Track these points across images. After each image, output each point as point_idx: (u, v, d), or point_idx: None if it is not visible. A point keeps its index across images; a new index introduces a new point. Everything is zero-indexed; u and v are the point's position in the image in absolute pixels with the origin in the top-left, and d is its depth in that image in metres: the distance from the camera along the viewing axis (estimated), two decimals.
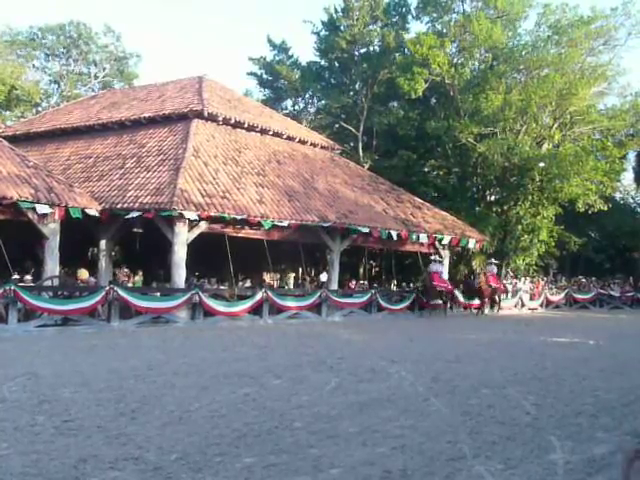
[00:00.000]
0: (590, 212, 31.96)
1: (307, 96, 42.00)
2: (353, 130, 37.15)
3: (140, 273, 22.04)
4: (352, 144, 37.70)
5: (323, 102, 40.67)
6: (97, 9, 75.31)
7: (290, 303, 21.17)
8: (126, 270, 20.88)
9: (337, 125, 38.90)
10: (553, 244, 33.41)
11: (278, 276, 28.39)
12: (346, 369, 11.11)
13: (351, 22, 37.22)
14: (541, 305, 30.73)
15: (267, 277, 27.15)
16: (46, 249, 17.92)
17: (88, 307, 17.02)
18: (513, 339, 17.55)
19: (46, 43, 47.09)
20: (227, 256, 19.48)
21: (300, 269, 27.48)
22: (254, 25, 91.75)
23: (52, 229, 17.79)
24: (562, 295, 32.08)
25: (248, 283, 23.82)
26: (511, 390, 9.59)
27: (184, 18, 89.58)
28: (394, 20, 38.14)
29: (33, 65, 47.35)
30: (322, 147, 29.34)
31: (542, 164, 30.47)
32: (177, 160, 20.98)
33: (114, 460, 5.72)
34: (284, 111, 40.17)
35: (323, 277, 25.82)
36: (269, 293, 20.42)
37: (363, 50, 38.32)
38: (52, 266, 17.94)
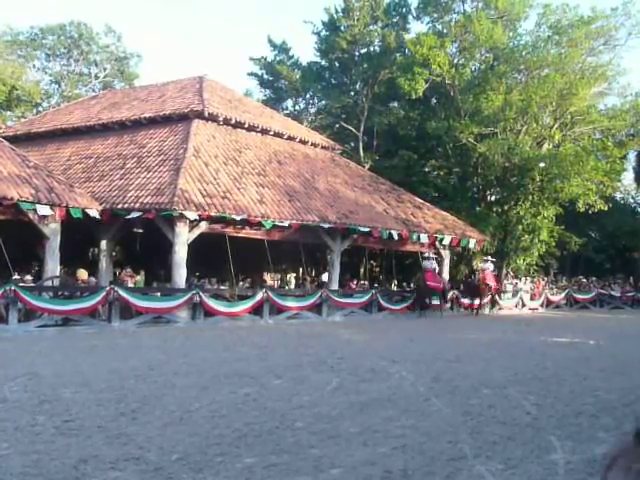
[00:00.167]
0: (590, 212, 31.93)
1: (308, 96, 42.03)
2: (354, 130, 37.15)
3: (142, 273, 22.04)
4: (353, 144, 37.70)
5: (324, 102, 40.70)
6: (98, 9, 75.42)
7: (290, 303, 21.17)
8: (129, 270, 20.88)
9: (338, 125, 38.90)
10: (553, 244, 33.40)
11: (279, 276, 28.40)
12: (347, 369, 11.11)
13: (351, 22, 37.22)
14: (541, 305, 30.70)
15: (267, 277, 27.17)
16: (47, 249, 17.94)
17: (89, 307, 17.03)
18: (513, 339, 17.55)
19: (47, 43, 47.09)
20: (227, 256, 19.49)
21: (301, 269, 27.49)
22: (254, 25, 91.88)
23: (53, 229, 17.80)
24: (562, 295, 32.06)
25: (248, 283, 23.83)
26: (512, 390, 9.59)
27: (184, 18, 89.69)
28: (394, 20, 38.15)
29: (34, 65, 47.39)
30: (323, 147, 29.34)
31: (542, 164, 30.46)
32: (178, 160, 20.99)
33: (115, 460, 5.72)
34: (285, 111, 40.19)
35: (325, 277, 25.83)
36: (269, 293, 20.42)
37: (363, 50, 38.33)
38: (53, 266, 17.96)
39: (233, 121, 24.99)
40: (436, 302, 24.76)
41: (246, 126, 25.43)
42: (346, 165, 29.45)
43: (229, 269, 20.48)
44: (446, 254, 27.76)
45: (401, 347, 15.06)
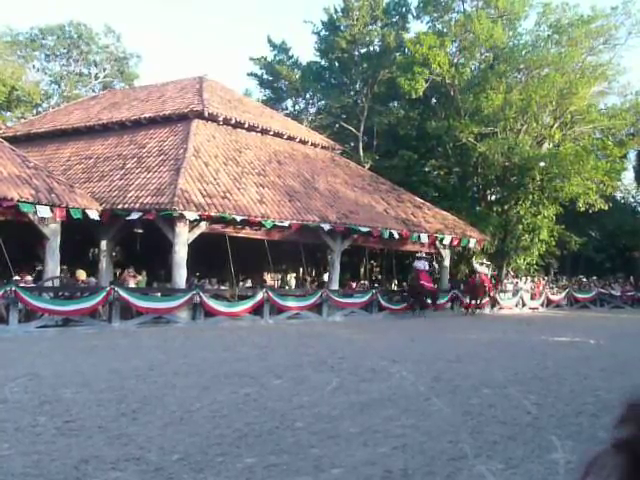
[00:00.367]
0: (591, 211, 31.92)
1: (307, 96, 42.02)
2: (353, 130, 37.15)
3: (144, 273, 22.04)
4: (352, 144, 37.70)
5: (323, 102, 40.70)
6: (97, 9, 75.41)
7: (291, 303, 21.18)
8: (131, 270, 20.87)
9: (337, 125, 38.90)
10: (554, 243, 33.40)
11: (279, 276, 28.40)
12: (347, 369, 11.11)
13: (351, 22, 37.22)
14: (542, 305, 30.71)
15: (268, 277, 27.15)
16: (47, 250, 17.94)
17: (89, 308, 17.04)
18: (514, 339, 17.55)
19: (46, 44, 47.10)
20: (228, 256, 19.49)
21: (301, 269, 27.49)
22: (254, 25, 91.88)
23: (53, 230, 17.81)
24: (563, 295, 32.07)
25: (249, 283, 23.83)
26: (512, 390, 9.59)
27: (184, 18, 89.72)
28: (394, 20, 38.14)
29: (33, 66, 47.37)
30: (323, 147, 29.34)
31: (542, 163, 30.47)
32: (178, 160, 20.99)
33: (115, 460, 5.72)
34: (284, 111, 40.19)
35: (326, 277, 25.81)
36: (270, 293, 20.43)
37: (363, 50, 38.32)
38: (53, 266, 17.96)
39: (233, 121, 24.99)
40: (428, 302, 24.65)
41: (246, 126, 25.43)
42: (346, 165, 29.46)
43: (229, 269, 20.49)
44: (446, 254, 27.77)
45: (401, 347, 15.06)
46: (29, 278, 18.54)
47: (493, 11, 33.51)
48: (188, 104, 24.60)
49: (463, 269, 32.64)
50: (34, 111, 42.80)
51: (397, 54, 35.62)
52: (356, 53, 38.13)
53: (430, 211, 27.94)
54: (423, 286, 24.02)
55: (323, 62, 39.85)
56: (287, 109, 41.96)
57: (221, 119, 24.54)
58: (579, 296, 32.47)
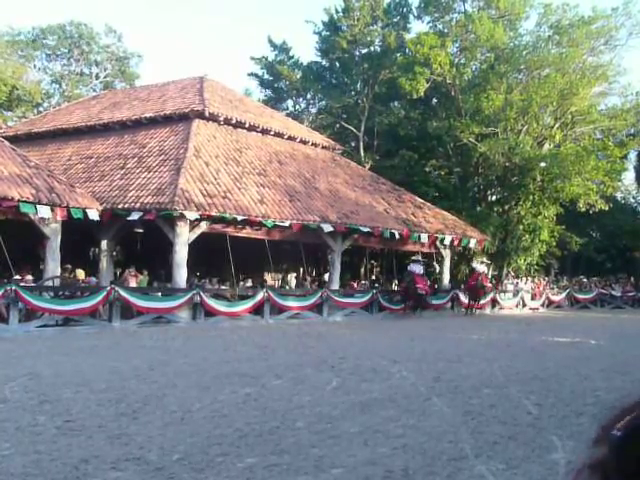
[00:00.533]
0: (591, 212, 31.93)
1: (308, 96, 42.04)
2: (354, 130, 37.16)
3: (146, 273, 22.04)
4: (353, 144, 37.72)
5: (324, 102, 40.70)
6: (98, 9, 75.44)
7: (291, 303, 21.19)
8: (132, 270, 20.87)
9: (338, 125, 38.92)
10: (554, 244, 33.40)
11: (279, 276, 28.39)
12: (347, 369, 11.11)
13: (352, 22, 37.23)
14: (542, 305, 30.71)
15: (268, 277, 27.15)
16: (47, 249, 17.94)
17: (89, 307, 17.04)
18: (514, 339, 17.54)
19: (47, 43, 47.11)
20: (228, 256, 19.49)
21: (301, 269, 27.50)
22: (255, 25, 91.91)
23: (53, 229, 17.81)
24: (563, 295, 32.07)
25: (249, 283, 23.82)
26: (512, 390, 9.58)
27: (185, 18, 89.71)
28: (395, 20, 38.16)
29: (34, 65, 47.40)
30: (323, 147, 29.34)
31: (543, 164, 30.47)
32: (178, 160, 20.99)
33: (116, 460, 5.72)
34: (285, 111, 40.20)
35: (327, 277, 25.80)
36: (270, 293, 20.43)
37: (364, 50, 38.33)
38: (53, 266, 17.96)
39: (234, 121, 24.99)
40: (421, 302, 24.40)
41: (247, 126, 25.43)
42: (347, 165, 29.46)
43: (229, 269, 20.49)
44: (447, 254, 27.76)
45: (402, 347, 15.06)
46: (29, 277, 18.53)
47: (494, 11, 33.52)
48: (189, 104, 24.60)
49: (463, 269, 32.63)
50: (35, 110, 42.80)
51: (398, 54, 35.62)
52: (357, 53, 38.15)
53: (430, 211, 27.94)
54: (418, 290, 23.73)
55: (324, 62, 39.89)
56: (288, 109, 41.98)
57: (222, 119, 24.54)
58: (580, 296, 32.47)
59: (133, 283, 20.14)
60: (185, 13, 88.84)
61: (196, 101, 24.72)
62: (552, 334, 18.83)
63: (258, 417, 7.42)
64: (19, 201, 16.63)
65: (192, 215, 18.70)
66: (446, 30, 34.00)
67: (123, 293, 17.39)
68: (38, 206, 17.03)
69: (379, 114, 36.07)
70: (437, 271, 28.61)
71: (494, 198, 34.61)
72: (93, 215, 18.36)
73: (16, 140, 24.91)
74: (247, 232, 20.93)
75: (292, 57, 40.91)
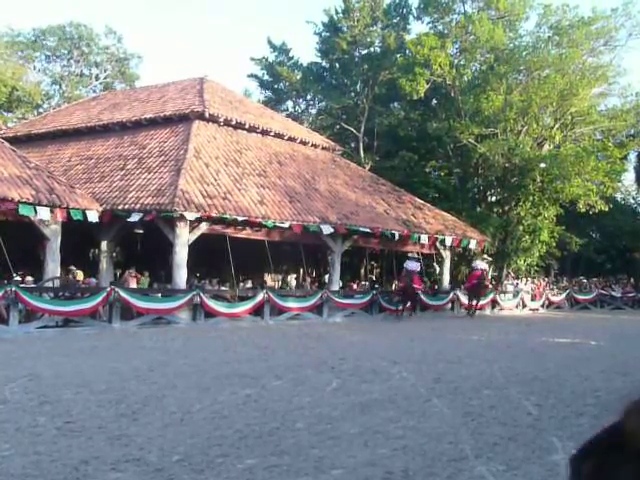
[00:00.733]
0: (591, 212, 31.91)
1: (308, 97, 42.05)
2: (354, 131, 37.17)
3: (147, 274, 22.05)
4: (353, 145, 37.72)
5: (324, 103, 40.69)
6: (98, 10, 75.47)
7: (291, 304, 21.18)
8: (132, 271, 20.86)
9: (338, 126, 38.91)
10: (554, 245, 33.39)
11: (279, 277, 28.40)
12: (347, 370, 11.11)
13: (352, 23, 37.24)
14: (542, 306, 30.70)
15: (268, 278, 27.15)
16: (47, 250, 17.94)
17: (89, 308, 17.04)
18: (514, 340, 17.54)
19: (47, 44, 47.12)
20: (228, 257, 19.49)
21: (301, 270, 27.50)
22: (255, 26, 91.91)
23: (53, 230, 17.81)
24: (563, 296, 32.06)
25: (249, 284, 23.83)
26: (513, 391, 9.58)
27: (185, 19, 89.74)
28: (395, 21, 38.17)
29: (34, 66, 47.40)
30: (323, 148, 29.35)
31: (543, 165, 30.46)
32: (178, 161, 21.00)
33: (116, 461, 5.72)
34: (285, 112, 40.20)
35: (327, 278, 25.78)
36: (270, 294, 20.43)
37: (364, 51, 38.32)
38: (53, 267, 17.96)
39: (234, 122, 25.00)
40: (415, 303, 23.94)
41: (247, 127, 25.44)
42: (346, 166, 29.46)
43: (229, 270, 20.49)
44: (447, 255, 27.76)
45: (402, 348, 15.05)
46: (29, 278, 18.53)
47: (494, 12, 33.51)
48: (189, 105, 24.60)
49: (464, 270, 32.62)
50: (35, 112, 42.81)
51: (398, 55, 35.61)
52: (357, 54, 38.14)
53: (430, 212, 27.94)
54: (415, 289, 23.48)
55: (324, 63, 39.89)
56: (287, 110, 41.98)
57: (222, 120, 24.55)
58: (579, 297, 32.46)
59: (133, 284, 20.14)
60: (185, 14, 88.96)
61: (196, 102, 24.72)
62: (552, 335, 18.82)
63: (258, 418, 7.42)
64: (19, 202, 16.63)
65: (192, 216, 18.70)
66: (446, 31, 34.00)
67: (123, 294, 17.39)
68: (38, 208, 17.02)
69: (379, 115, 36.07)
70: (437, 272, 28.61)
71: (494, 199, 34.61)
72: (92, 217, 18.34)
73: (16, 141, 24.92)
74: (247, 233, 20.93)
75: (292, 58, 40.92)
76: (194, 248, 19.40)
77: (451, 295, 26.53)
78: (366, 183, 28.09)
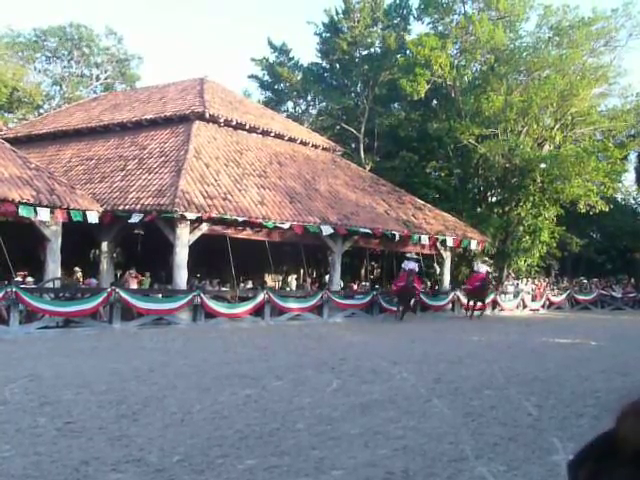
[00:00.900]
0: (591, 213, 31.91)
1: (308, 98, 42.05)
2: (354, 132, 37.18)
3: (148, 275, 22.06)
4: (353, 145, 37.73)
5: (324, 104, 40.72)
6: (98, 11, 75.51)
7: (291, 305, 21.18)
8: (133, 271, 20.86)
9: (338, 127, 38.93)
10: (554, 245, 33.39)
11: (280, 277, 28.40)
12: (348, 370, 11.11)
13: (352, 24, 37.26)
14: (543, 306, 30.69)
15: (268, 279, 27.17)
16: (48, 251, 17.94)
17: (90, 309, 17.04)
18: (515, 340, 17.54)
19: (48, 45, 47.14)
20: (228, 258, 19.49)
21: (302, 270, 27.51)
22: (255, 26, 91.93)
23: (54, 231, 17.82)
24: (564, 296, 32.05)
25: (249, 285, 23.84)
26: (513, 391, 9.58)
27: (185, 20, 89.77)
28: (395, 22, 38.18)
29: (35, 67, 47.43)
30: (323, 149, 29.35)
31: (543, 165, 30.46)
32: (179, 162, 21.00)
33: (116, 462, 5.72)
34: (285, 113, 40.21)
35: (327, 278, 25.78)
36: (270, 295, 20.43)
37: (364, 52, 38.34)
38: (54, 268, 17.96)
39: (234, 122, 25.00)
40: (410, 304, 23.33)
41: (247, 127, 25.44)
42: (347, 166, 29.47)
43: (230, 270, 20.49)
44: (447, 255, 27.76)
45: (402, 348, 15.06)
46: (30, 279, 18.54)
47: (494, 13, 33.51)
48: (189, 105, 24.61)
49: (464, 270, 32.62)
50: (35, 112, 42.82)
51: (398, 56, 35.61)
52: (357, 55, 38.16)
53: (431, 212, 27.94)
54: (416, 289, 23.26)
55: (324, 64, 39.91)
56: (288, 111, 42.00)
57: (222, 120, 24.55)
58: (580, 298, 32.45)
59: (133, 285, 20.14)
60: (185, 14, 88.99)
61: (196, 103, 24.73)
62: (552, 335, 18.82)
63: (258, 419, 7.42)
64: (19, 203, 16.63)
65: (192, 216, 18.71)
66: (447, 32, 34.01)
67: (123, 295, 17.39)
68: (38, 209, 17.02)
69: (379, 115, 36.09)
70: (437, 272, 28.60)
71: (494, 199, 34.61)
72: (92, 218, 18.34)
73: (16, 142, 24.92)
74: (247, 233, 20.93)
75: (292, 58, 40.95)
76: (194, 249, 19.41)
77: (451, 296, 26.52)
78: (366, 184, 28.09)
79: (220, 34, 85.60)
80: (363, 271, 31.15)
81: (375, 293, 23.73)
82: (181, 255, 19.08)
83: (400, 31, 37.17)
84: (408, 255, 23.78)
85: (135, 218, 18.94)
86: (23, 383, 9.12)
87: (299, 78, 39.77)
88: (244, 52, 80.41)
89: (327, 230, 21.95)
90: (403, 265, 23.32)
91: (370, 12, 37.34)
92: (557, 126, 32.92)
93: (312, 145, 28.62)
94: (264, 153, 25.09)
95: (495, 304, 28.01)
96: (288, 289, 26.28)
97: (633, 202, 45.36)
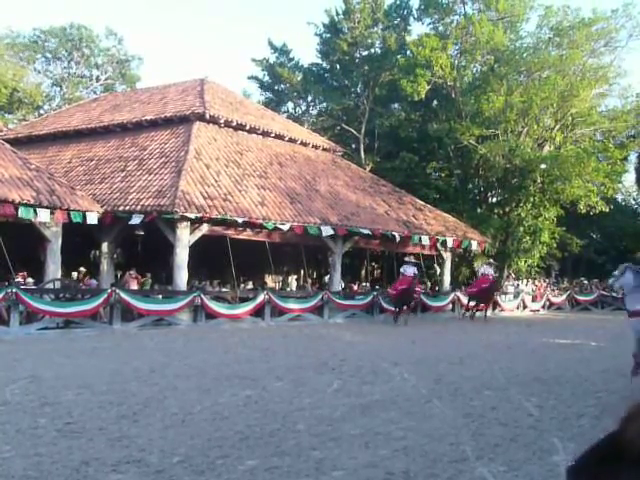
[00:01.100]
0: (592, 213, 31.93)
1: (309, 98, 42.06)
2: (355, 132, 37.19)
3: (149, 275, 22.05)
4: (354, 146, 37.74)
5: (325, 104, 40.74)
6: (99, 12, 75.53)
7: (292, 305, 21.17)
8: (133, 272, 20.86)
9: (339, 127, 38.95)
10: (555, 246, 33.40)
11: (280, 278, 28.40)
12: (348, 371, 11.11)
13: (352, 24, 37.27)
14: (543, 307, 30.69)
15: (269, 279, 27.17)
16: (48, 252, 17.95)
17: (90, 310, 17.04)
18: (515, 341, 17.53)
19: (48, 46, 47.16)
20: (229, 258, 19.49)
21: (302, 271, 27.51)
22: (256, 27, 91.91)
23: (54, 232, 17.82)
24: (564, 297, 32.05)
25: (250, 285, 23.84)
26: (513, 392, 9.58)
27: (186, 20, 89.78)
28: (395, 22, 38.18)
29: (35, 68, 47.44)
30: (324, 149, 29.36)
31: (544, 166, 30.47)
32: (179, 162, 21.01)
33: (116, 463, 5.72)
34: (285, 113, 40.23)
35: (327, 279, 25.79)
36: (271, 295, 20.43)
37: (364, 52, 38.36)
38: (54, 269, 17.97)
39: (234, 123, 25.01)
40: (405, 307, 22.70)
41: (247, 128, 25.45)
42: (347, 167, 29.47)
43: (230, 271, 20.49)
44: (447, 256, 27.75)
45: (402, 349, 15.05)
46: (30, 280, 18.54)
47: (494, 14, 33.52)
48: (189, 106, 24.62)
49: (464, 271, 32.62)
50: (35, 113, 42.86)
51: (398, 56, 35.61)
52: (357, 55, 38.17)
53: (431, 213, 27.95)
54: (416, 292, 23.04)
55: (324, 64, 39.93)
56: (288, 111, 42.02)
57: (222, 121, 24.56)
58: (580, 298, 32.44)
59: (134, 285, 20.14)
60: (185, 15, 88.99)
61: (197, 103, 24.74)
62: (553, 336, 18.82)
63: (259, 419, 7.42)
64: (20, 204, 16.63)
65: (193, 217, 18.71)
66: (447, 32, 34.02)
67: (124, 295, 17.39)
68: (38, 210, 17.02)
69: (379, 116, 36.09)
70: (438, 273, 28.60)
71: (495, 200, 34.62)
72: (92, 219, 18.34)
73: (17, 143, 24.92)
74: (248, 234, 20.94)
75: (292, 59, 40.95)
76: (195, 249, 19.41)
77: (452, 296, 26.50)
78: (367, 184, 28.09)
79: (220, 34, 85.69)
80: (363, 272, 31.15)
81: (375, 294, 23.72)
82: (181, 256, 19.09)
83: (400, 32, 37.19)
84: (407, 259, 23.30)
85: (136, 219, 18.94)
86: (23, 384, 9.12)
87: (299, 79, 39.78)
88: (244, 52, 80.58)
89: (327, 231, 21.94)
90: (402, 270, 22.69)
91: (370, 13, 37.35)
92: (557, 127, 32.93)
93: (312, 146, 28.63)
94: (264, 154, 25.09)
95: (495, 304, 27.99)
96: (288, 290, 26.28)
97: (633, 203, 45.40)
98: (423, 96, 32.28)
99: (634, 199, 45.46)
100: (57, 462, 5.69)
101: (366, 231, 23.29)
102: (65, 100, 45.20)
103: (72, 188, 19.07)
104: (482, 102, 31.32)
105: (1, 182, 16.87)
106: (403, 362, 12.30)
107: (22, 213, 16.67)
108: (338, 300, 22.47)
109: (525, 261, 32.80)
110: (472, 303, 25.18)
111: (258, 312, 20.05)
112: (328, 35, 38.38)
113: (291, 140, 27.47)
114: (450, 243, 26.61)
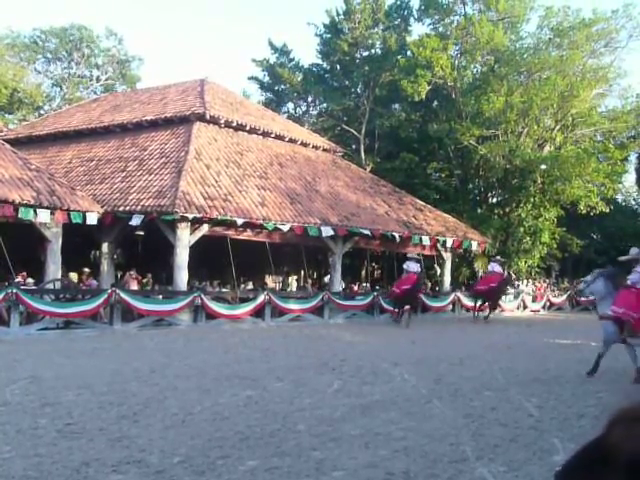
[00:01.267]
0: (592, 214, 31.95)
1: (309, 99, 42.08)
2: (355, 133, 37.19)
3: (149, 276, 22.05)
4: (354, 146, 37.74)
5: (325, 105, 40.73)
6: (99, 12, 75.54)
7: (292, 306, 21.17)
8: (133, 272, 20.87)
9: (339, 128, 38.95)
10: (555, 246, 33.39)
11: (280, 279, 28.41)
12: (348, 371, 11.11)
13: (353, 25, 37.27)
14: (543, 307, 30.69)
15: (269, 280, 27.16)
16: (48, 252, 17.94)
17: (90, 310, 17.03)
18: (515, 341, 17.53)
19: (48, 46, 47.16)
20: (229, 259, 19.49)
21: (302, 271, 27.51)
22: (256, 27, 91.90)
23: (54, 232, 17.81)
24: (564, 297, 32.05)
25: (250, 286, 23.83)
26: (513, 392, 9.58)
27: (186, 21, 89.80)
28: (396, 23, 38.19)
29: (35, 68, 47.47)
30: (324, 150, 29.36)
31: (544, 166, 30.48)
32: (179, 163, 21.01)
33: (117, 463, 5.72)
34: (286, 114, 40.23)
35: (328, 279, 25.79)
36: (271, 296, 20.43)
37: (365, 53, 38.36)
38: (54, 269, 17.96)
39: (234, 124, 25.01)
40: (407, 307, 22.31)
41: (247, 129, 25.45)
42: (347, 167, 29.47)
43: (230, 272, 20.50)
44: (448, 256, 27.75)
45: (403, 349, 15.05)
46: (30, 280, 18.54)
47: (494, 14, 33.53)
48: (190, 107, 24.61)
49: (464, 271, 32.62)
50: (36, 113, 42.86)
51: (399, 57, 35.62)
52: (358, 56, 38.16)
53: (431, 213, 27.95)
54: (420, 292, 23.02)
55: (325, 65, 39.93)
56: (288, 112, 42.02)
57: (222, 122, 24.56)
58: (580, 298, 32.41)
59: (134, 286, 20.14)
60: (185, 15, 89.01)
61: (197, 104, 24.74)
62: (553, 336, 18.83)
63: (259, 420, 7.42)
64: (20, 204, 16.63)
65: (193, 217, 18.71)
66: (447, 33, 34.03)
67: (124, 296, 17.39)
68: (38, 210, 17.01)
69: (380, 116, 36.09)
70: (438, 273, 28.60)
71: (495, 200, 34.63)
72: (91, 219, 18.33)
73: (17, 143, 24.91)
74: (248, 235, 20.94)
75: (293, 59, 40.94)
76: (195, 250, 19.41)
77: (452, 297, 26.49)
78: (367, 184, 28.09)
79: (220, 35, 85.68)
80: (364, 272, 31.14)
81: (376, 294, 23.72)
82: (181, 256, 19.09)
83: (401, 32, 37.19)
84: (409, 255, 23.40)
85: (136, 220, 18.94)
86: (23, 384, 9.12)
87: (299, 79, 39.77)
88: (244, 53, 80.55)
89: (327, 231, 21.94)
90: (405, 266, 22.57)
91: (371, 13, 37.34)
92: (557, 127, 32.94)
93: (312, 146, 28.63)
94: (264, 154, 25.09)
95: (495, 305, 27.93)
96: (289, 290, 26.27)
97: (634, 203, 45.38)
98: (423, 96, 32.29)
99: (634, 199, 45.46)
100: (57, 462, 5.69)
101: (366, 231, 23.29)
102: (65, 100, 45.21)
103: (72, 188, 19.07)
104: (482, 102, 31.33)
105: (1, 182, 16.87)
106: (403, 362, 12.30)
107: (22, 213, 16.66)
108: (338, 300, 22.46)
109: (525, 261, 32.79)
110: (478, 303, 24.66)
111: (258, 312, 20.05)
112: (328, 35, 38.37)
113: (291, 140, 27.47)
114: (450, 243, 26.62)
